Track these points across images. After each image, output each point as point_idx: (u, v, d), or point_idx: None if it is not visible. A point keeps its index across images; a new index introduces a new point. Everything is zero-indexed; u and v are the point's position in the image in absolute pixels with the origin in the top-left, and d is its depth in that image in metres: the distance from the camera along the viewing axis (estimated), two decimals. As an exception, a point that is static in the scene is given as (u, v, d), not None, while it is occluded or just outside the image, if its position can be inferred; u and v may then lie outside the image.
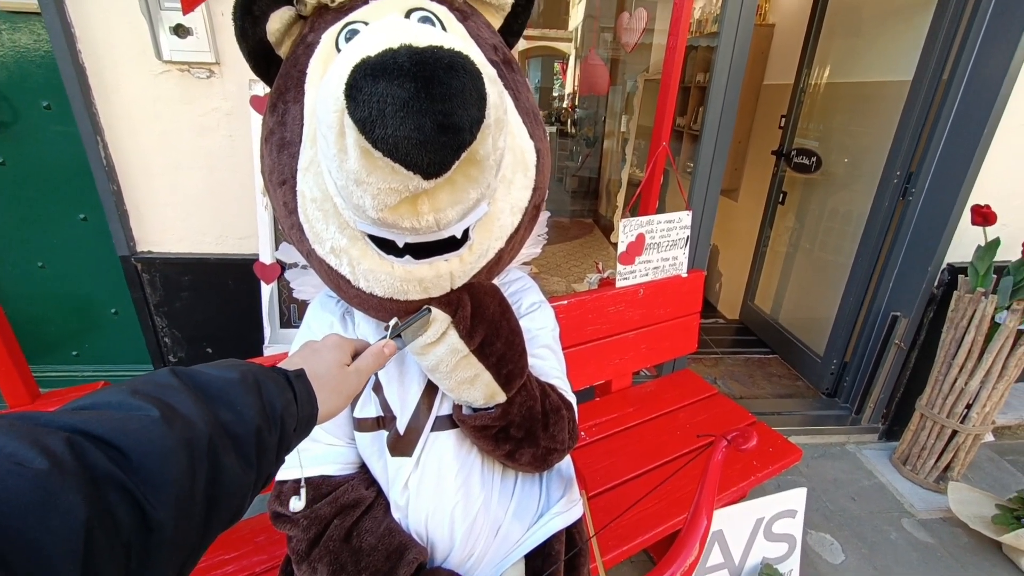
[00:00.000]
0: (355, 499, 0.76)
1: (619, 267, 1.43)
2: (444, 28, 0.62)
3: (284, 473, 0.76)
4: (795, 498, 1.38)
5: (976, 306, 1.62)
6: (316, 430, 0.77)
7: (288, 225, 0.68)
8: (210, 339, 1.61)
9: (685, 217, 1.49)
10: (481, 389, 0.65)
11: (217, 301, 1.55)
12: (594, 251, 4.47)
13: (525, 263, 1.14)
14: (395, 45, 0.44)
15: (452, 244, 0.60)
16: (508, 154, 0.62)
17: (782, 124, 2.66)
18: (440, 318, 0.62)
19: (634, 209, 1.57)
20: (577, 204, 6.18)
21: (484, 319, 0.63)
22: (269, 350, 1.42)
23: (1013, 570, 1.54)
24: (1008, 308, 1.56)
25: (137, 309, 1.57)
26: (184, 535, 0.34)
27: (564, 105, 9.12)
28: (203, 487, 0.36)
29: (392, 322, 0.61)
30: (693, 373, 1.78)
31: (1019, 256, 1.59)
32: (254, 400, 0.42)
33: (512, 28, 0.76)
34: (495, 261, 0.66)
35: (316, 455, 0.77)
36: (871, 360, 2.09)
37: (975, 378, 1.65)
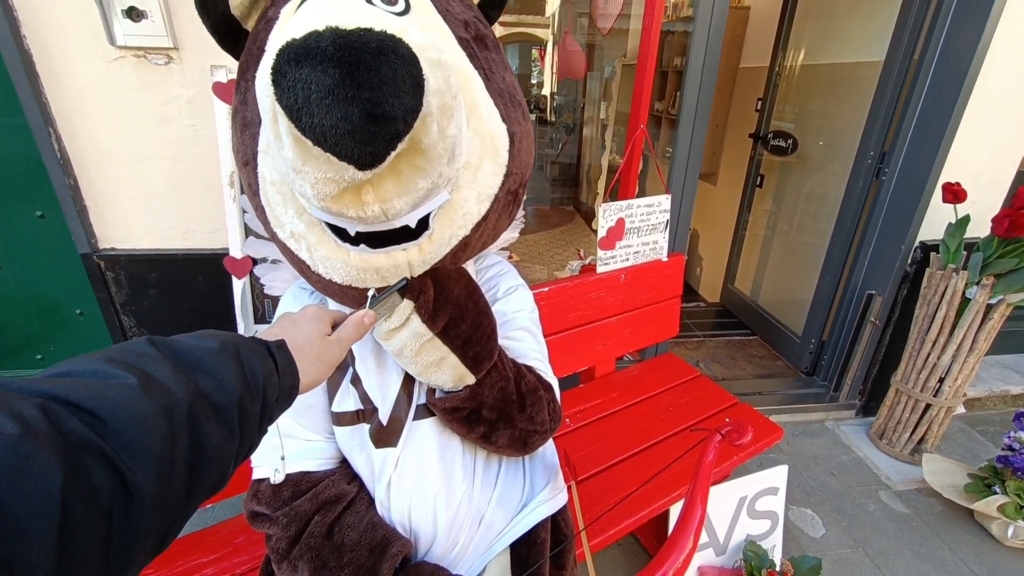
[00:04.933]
0: (336, 494, 0.75)
1: (599, 252, 1.42)
2: (408, 4, 0.58)
3: (261, 471, 0.74)
4: (777, 476, 1.40)
5: (948, 282, 1.66)
6: (294, 426, 0.75)
7: (254, 206, 0.66)
8: (181, 338, 1.55)
9: (664, 201, 1.49)
10: (448, 372, 0.65)
11: (187, 298, 1.49)
12: (576, 238, 4.47)
13: (504, 248, 1.13)
14: (321, 27, 0.41)
15: (409, 233, 0.57)
16: (475, 140, 0.59)
17: (759, 107, 2.67)
18: (402, 303, 0.61)
19: (614, 194, 1.56)
20: (558, 192, 6.16)
21: (448, 302, 0.62)
22: (244, 347, 1.37)
23: (985, 536, 1.60)
24: (978, 283, 1.60)
25: (102, 309, 1.51)
26: (165, 501, 0.34)
27: (543, 92, 9.05)
28: (184, 454, 0.35)
29: (371, 292, 0.60)
30: (675, 356, 1.79)
31: (988, 232, 1.63)
32: (235, 369, 0.41)
33: (493, 1, 0.73)
34: (460, 248, 0.64)
35: (295, 451, 0.75)
36: (848, 338, 2.13)
37: (947, 352, 1.69)
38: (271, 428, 0.73)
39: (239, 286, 1.35)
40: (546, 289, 1.35)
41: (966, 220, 1.67)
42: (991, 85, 1.68)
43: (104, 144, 1.35)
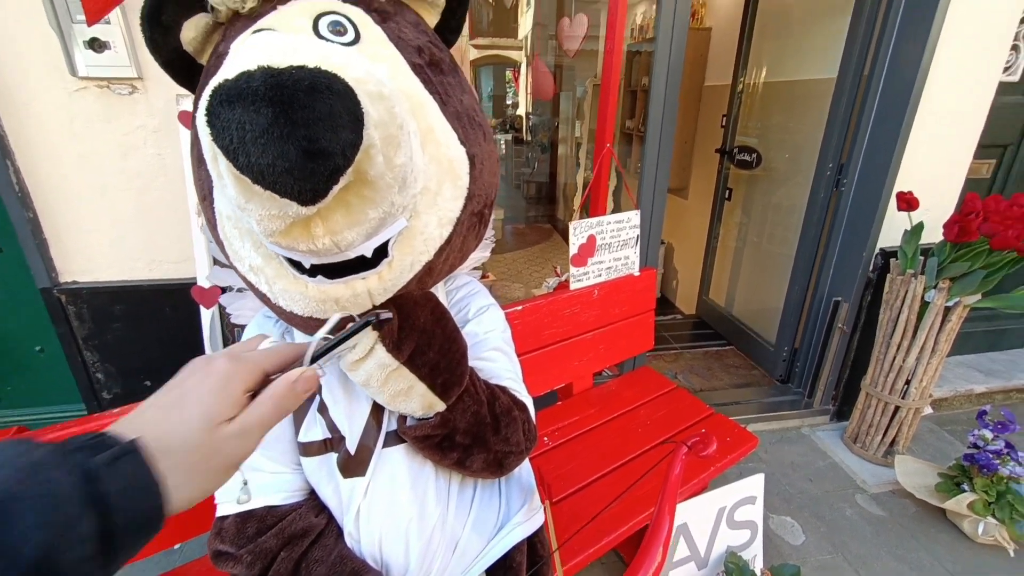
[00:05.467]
0: (303, 528, 0.73)
1: (572, 269, 1.44)
2: (358, 32, 0.59)
3: (225, 507, 0.72)
4: (754, 484, 1.41)
5: (907, 287, 1.72)
6: (258, 459, 0.73)
7: (215, 240, 0.65)
8: (147, 371, 1.51)
9: (634, 216, 1.52)
10: (417, 400, 0.63)
11: (154, 330, 1.46)
12: (553, 256, 4.51)
13: (476, 268, 1.13)
14: (252, 67, 0.41)
15: (367, 262, 0.57)
16: (432, 165, 0.59)
17: (723, 123, 2.77)
18: (365, 333, 0.59)
19: (586, 211, 1.59)
20: (535, 210, 6.24)
21: (414, 330, 0.61)
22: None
23: (957, 533, 1.63)
24: (935, 287, 1.66)
25: (64, 344, 1.46)
26: None
27: (518, 112, 9.21)
28: None
29: (312, 346, 0.47)
30: (652, 370, 1.81)
31: (941, 238, 1.70)
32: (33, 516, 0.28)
33: (450, 25, 0.74)
34: (425, 273, 0.64)
35: (260, 484, 0.73)
36: (818, 345, 2.18)
37: (911, 355, 1.75)
38: None
39: (207, 316, 1.32)
40: (520, 308, 1.35)
41: (920, 227, 1.74)
42: (936, 98, 1.77)
43: (66, 176, 1.32)
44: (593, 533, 1.09)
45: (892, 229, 1.91)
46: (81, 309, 1.41)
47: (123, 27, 1.25)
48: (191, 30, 0.63)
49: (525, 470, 0.96)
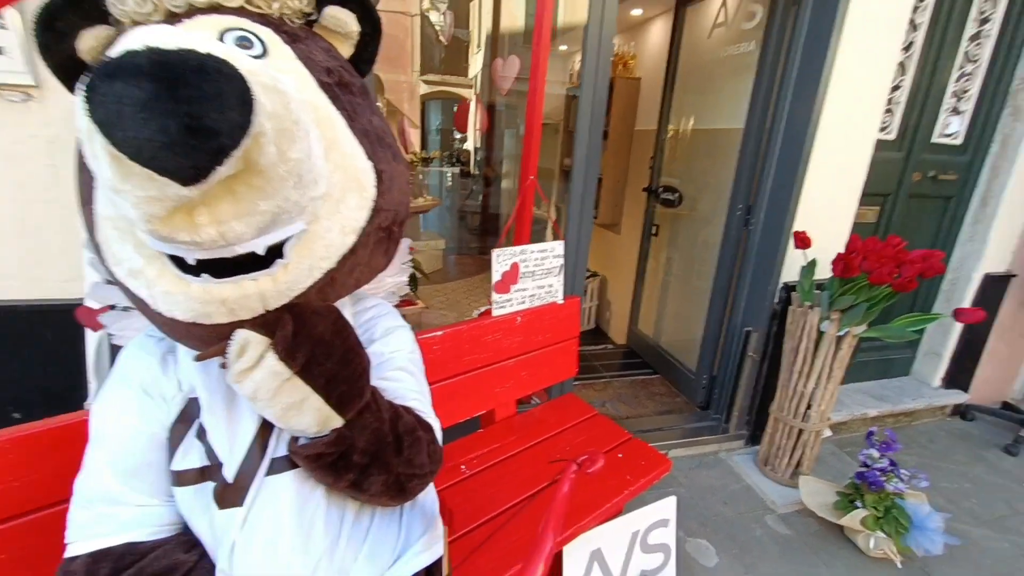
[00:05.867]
0: (168, 566, 0.66)
1: (494, 296, 1.46)
2: (265, 49, 0.60)
3: (74, 547, 0.65)
4: (666, 507, 1.45)
5: (805, 318, 1.87)
6: (122, 490, 0.67)
7: (93, 248, 0.62)
8: (17, 402, 1.36)
9: (558, 246, 1.58)
10: (311, 414, 0.59)
11: (30, 356, 1.32)
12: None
13: (395, 293, 1.12)
14: (139, 47, 0.42)
15: (259, 261, 0.56)
16: (336, 173, 0.60)
17: (651, 165, 2.96)
18: (255, 340, 0.56)
19: (510, 241, 1.63)
20: (479, 241, 6.31)
21: (309, 338, 0.58)
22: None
23: (853, 548, 1.75)
24: (828, 318, 1.83)
25: (-79, 370, 1.29)
26: None
27: (464, 146, 9.41)
28: None
29: None
30: (576, 396, 1.84)
31: (830, 274, 1.88)
32: None
33: (363, 56, 0.76)
34: (327, 282, 0.63)
35: (123, 521, 0.66)
36: (733, 372, 2.31)
37: (811, 380, 1.89)
38: (93, 493, 0.66)
39: (93, 339, 1.22)
40: (440, 333, 1.35)
41: (814, 264, 1.92)
42: (826, 149, 1.99)
43: (-62, 183, 1.21)
44: (498, 565, 1.07)
45: (794, 265, 2.09)
46: (-55, 330, 1.26)
47: (21, 31, 1.18)
48: (90, 40, 0.61)
49: (430, 496, 0.93)
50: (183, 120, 0.41)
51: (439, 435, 0.80)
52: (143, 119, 0.40)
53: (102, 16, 0.61)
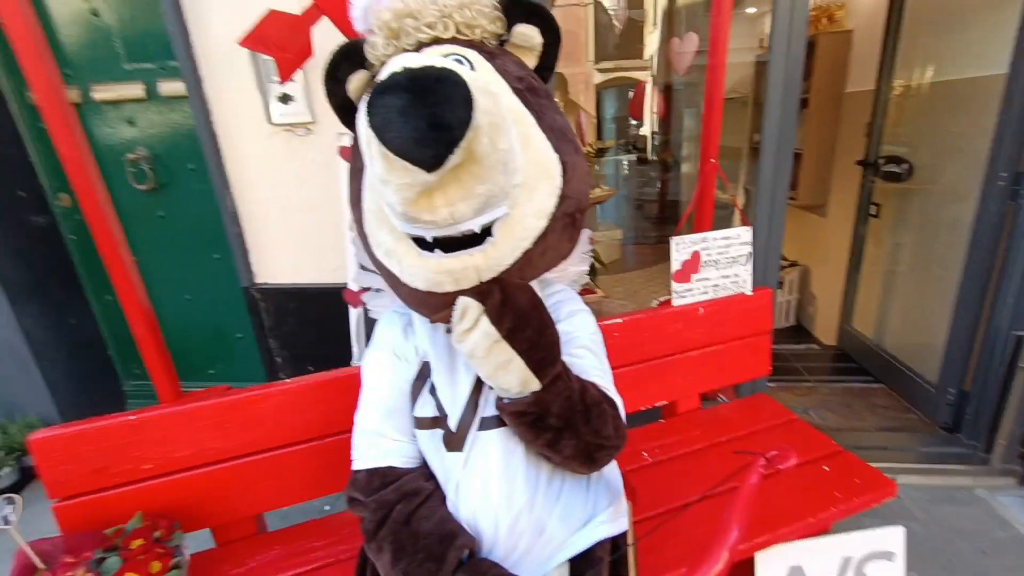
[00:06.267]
0: (415, 488, 0.85)
1: (674, 285, 1.44)
2: (472, 65, 0.74)
3: (358, 463, 0.88)
4: (891, 538, 1.24)
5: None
6: (384, 426, 0.88)
7: (361, 238, 0.82)
8: (311, 358, 1.85)
9: (744, 233, 1.47)
10: (515, 375, 0.70)
11: (315, 325, 1.79)
12: (672, 276, 4.35)
13: (577, 282, 1.21)
14: (398, 69, 0.57)
15: (476, 239, 0.69)
16: (529, 165, 0.71)
17: (868, 132, 2.49)
18: (472, 305, 0.69)
19: (690, 228, 1.57)
20: (657, 230, 6.09)
21: (513, 307, 0.69)
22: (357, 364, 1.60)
23: None
24: None
25: (256, 333, 1.86)
26: None
27: (640, 132, 9.10)
28: None
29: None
30: (769, 398, 1.69)
31: None
32: None
33: (545, 64, 0.86)
34: (524, 261, 0.73)
35: (386, 449, 0.87)
36: (996, 389, 1.83)
37: None
38: (367, 426, 0.88)
39: (355, 315, 1.59)
40: (619, 320, 1.39)
41: None
42: None
43: (262, 201, 1.71)
44: (677, 547, 1.07)
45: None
46: (268, 305, 1.79)
47: (304, 83, 1.59)
48: (355, 82, 0.83)
49: (614, 473, 0.99)
50: (428, 119, 0.55)
51: (622, 412, 0.85)
52: (403, 121, 0.55)
53: (362, 63, 0.81)
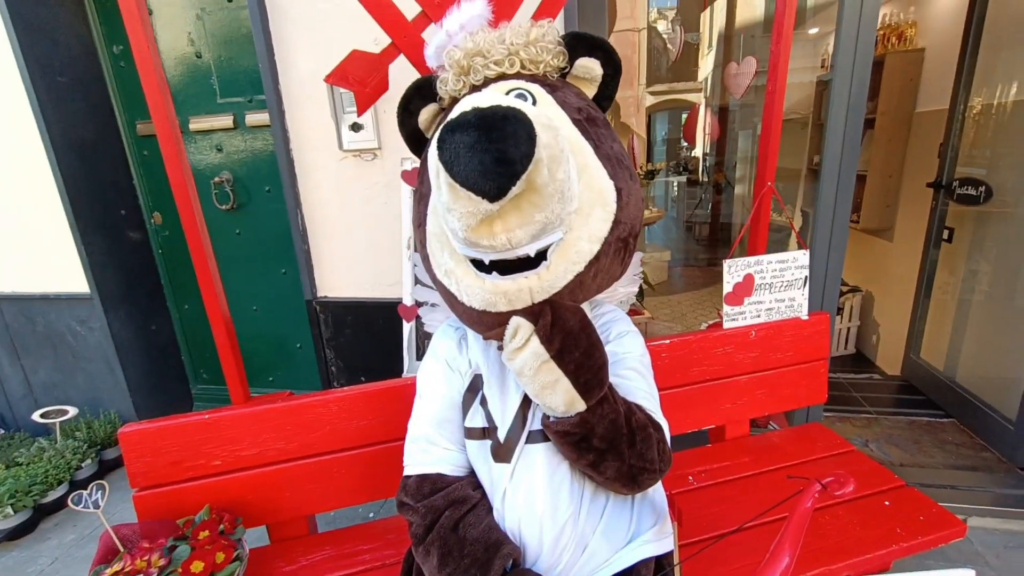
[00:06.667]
0: (463, 496, 0.88)
1: (725, 308, 1.42)
2: (535, 99, 0.79)
3: (409, 469, 0.92)
4: (960, 581, 1.16)
5: None
6: (435, 435, 0.93)
7: (423, 256, 0.88)
8: (364, 369, 1.95)
9: (801, 257, 1.44)
10: (561, 395, 0.72)
11: (370, 337, 1.89)
12: (721, 300, 4.23)
13: (625, 302, 1.23)
14: (468, 108, 0.63)
15: (531, 263, 0.73)
16: (586, 192, 0.74)
17: (941, 152, 2.36)
18: (524, 325, 0.72)
19: (743, 251, 1.55)
20: (709, 252, 5.95)
21: (562, 329, 0.72)
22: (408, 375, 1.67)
23: None
24: None
25: (315, 343, 1.98)
26: None
27: (693, 154, 8.97)
28: None
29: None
30: (824, 427, 1.61)
31: None
32: None
33: (604, 93, 0.91)
34: (576, 284, 0.76)
35: (436, 457, 0.91)
36: (1088, 429, 1.66)
37: None
38: (418, 433, 0.92)
39: (408, 328, 1.67)
40: (667, 341, 1.39)
41: None
42: None
43: (329, 220, 1.84)
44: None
45: None
46: (327, 317, 1.91)
47: (373, 113, 1.72)
48: (425, 114, 0.91)
49: (659, 494, 0.99)
50: (494, 154, 0.60)
51: (668, 436, 0.85)
52: (469, 156, 0.60)
53: (433, 97, 0.90)
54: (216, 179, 2.18)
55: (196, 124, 2.15)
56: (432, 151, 0.65)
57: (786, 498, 0.78)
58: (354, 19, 1.62)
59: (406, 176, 1.62)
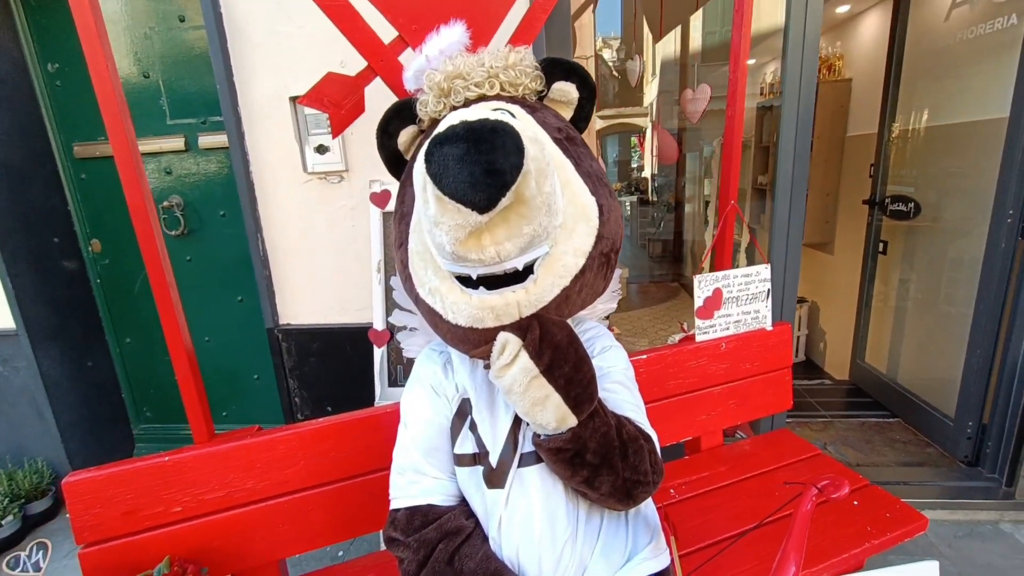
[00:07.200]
0: (457, 527, 0.85)
1: (697, 321, 1.47)
2: (516, 119, 0.80)
3: (397, 502, 0.88)
4: (925, 572, 1.22)
5: None
6: (424, 464, 0.89)
7: (404, 278, 0.86)
8: (330, 398, 1.86)
9: (763, 270, 1.51)
10: (552, 411, 0.71)
11: (337, 364, 1.81)
12: (679, 314, 4.39)
13: (604, 318, 1.24)
14: (456, 122, 0.63)
15: (518, 278, 0.72)
16: (569, 207, 0.75)
17: (872, 173, 2.58)
18: (512, 340, 0.71)
19: (710, 268, 1.62)
20: (661, 268, 6.17)
21: (551, 343, 0.71)
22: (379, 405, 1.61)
23: None
24: None
25: (276, 373, 1.87)
26: None
27: (643, 175, 9.38)
28: None
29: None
30: (790, 432, 1.68)
31: None
32: None
33: (580, 115, 0.94)
34: (562, 298, 0.76)
35: (425, 487, 0.87)
36: (1016, 422, 1.82)
37: None
38: (405, 463, 0.88)
39: (379, 354, 1.61)
40: (644, 356, 1.41)
41: None
42: None
43: (291, 244, 1.77)
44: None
45: (1109, 283, 1.59)
46: (290, 345, 1.82)
47: (340, 138, 1.68)
48: (404, 136, 0.90)
49: (650, 509, 0.99)
50: (483, 166, 0.60)
51: (658, 447, 0.85)
52: (459, 169, 0.60)
53: (412, 119, 0.89)
54: (165, 203, 2.05)
55: (143, 146, 2.03)
56: (419, 165, 0.64)
57: (784, 503, 0.80)
58: (317, 42, 1.61)
59: (375, 198, 1.59)
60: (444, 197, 0.61)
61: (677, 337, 1.89)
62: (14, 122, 1.99)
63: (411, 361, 1.06)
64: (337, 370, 1.82)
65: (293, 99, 1.67)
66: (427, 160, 0.62)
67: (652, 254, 6.69)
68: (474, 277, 0.72)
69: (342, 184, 1.71)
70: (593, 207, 0.79)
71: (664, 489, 1.42)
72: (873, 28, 2.70)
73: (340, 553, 1.81)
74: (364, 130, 1.06)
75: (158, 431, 2.44)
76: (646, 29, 3.33)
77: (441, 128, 0.64)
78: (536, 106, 0.87)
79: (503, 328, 0.74)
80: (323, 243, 1.75)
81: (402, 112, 0.91)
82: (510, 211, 0.65)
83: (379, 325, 1.58)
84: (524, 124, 0.79)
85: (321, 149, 1.67)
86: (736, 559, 1.14)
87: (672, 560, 0.92)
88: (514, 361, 0.71)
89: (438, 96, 0.85)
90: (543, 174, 0.66)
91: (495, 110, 0.81)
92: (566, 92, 0.90)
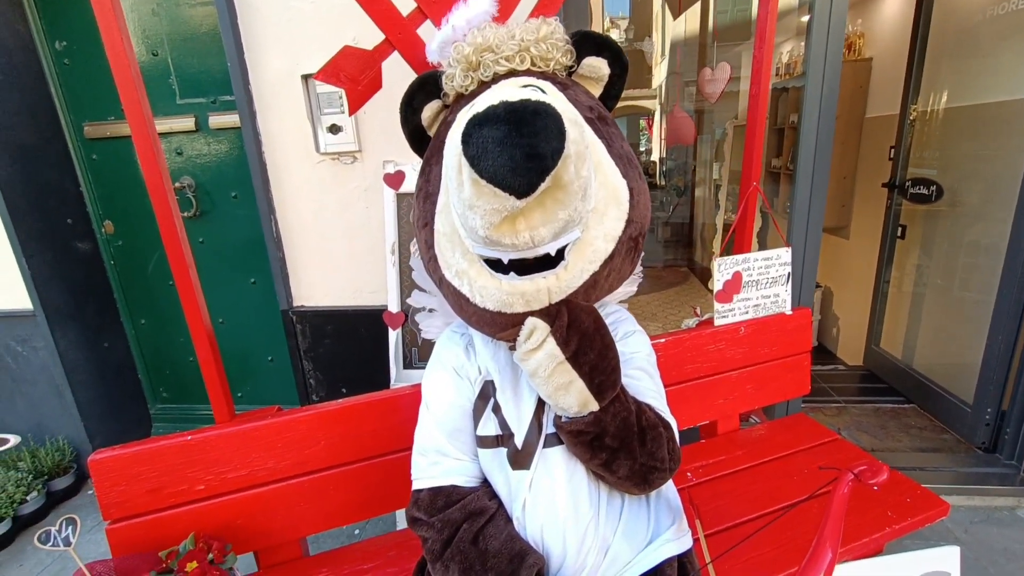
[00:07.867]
0: (481, 507, 0.85)
1: (716, 305, 1.45)
2: (545, 94, 0.77)
3: (420, 483, 0.88)
4: (946, 558, 1.20)
5: None
6: (447, 446, 0.89)
7: (428, 258, 0.84)
8: (345, 380, 1.86)
9: (784, 254, 1.49)
10: (575, 396, 0.71)
11: (352, 346, 1.81)
12: (691, 298, 4.37)
13: (622, 301, 1.23)
14: (495, 102, 0.60)
15: (549, 263, 0.71)
16: (601, 190, 0.73)
17: (891, 155, 2.53)
18: (540, 326, 0.71)
19: (729, 250, 1.59)
20: (671, 253, 6.12)
21: (578, 331, 0.71)
22: (395, 387, 1.61)
23: None
24: None
25: (291, 355, 1.88)
26: None
27: (652, 158, 9.26)
28: None
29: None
30: (807, 417, 1.67)
31: None
32: None
33: (610, 93, 0.90)
34: (591, 283, 0.74)
35: (448, 468, 0.87)
36: (1037, 408, 1.80)
37: None
38: (428, 445, 0.88)
39: (394, 336, 1.61)
40: (663, 340, 1.40)
41: None
42: None
43: (304, 225, 1.76)
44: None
45: None
46: (305, 327, 1.82)
47: (353, 118, 1.66)
48: (428, 111, 0.88)
49: (672, 492, 0.98)
50: (525, 149, 0.57)
51: (677, 435, 0.85)
52: (498, 152, 0.57)
53: (437, 92, 0.86)
54: (176, 184, 2.04)
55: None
56: (454, 146, 0.61)
57: (819, 488, 0.79)
58: (330, 17, 1.57)
59: (388, 179, 1.57)
60: (481, 181, 0.59)
61: (692, 321, 1.88)
62: (23, 102, 1.98)
63: (426, 343, 1.05)
64: (351, 352, 1.82)
65: (305, 77, 1.64)
66: (464, 141, 0.59)
67: (661, 238, 6.63)
68: (505, 262, 0.70)
69: (355, 165, 1.69)
70: (624, 190, 0.77)
71: (681, 472, 1.42)
72: (896, 5, 2.61)
73: (356, 531, 1.84)
74: (377, 109, 1.04)
75: (174, 411, 2.47)
76: (656, 9, 3.23)
77: (480, 107, 0.61)
78: (567, 83, 0.84)
79: (531, 313, 0.73)
80: (336, 224, 1.74)
81: (426, 85, 0.88)
82: (546, 196, 0.63)
83: (394, 307, 1.57)
84: (564, 106, 0.76)
85: (334, 129, 1.64)
86: (754, 544, 1.14)
87: (699, 543, 0.92)
88: (541, 346, 0.70)
89: (466, 70, 0.82)
90: (582, 158, 0.64)
91: (525, 86, 0.78)
92: (597, 68, 0.87)
